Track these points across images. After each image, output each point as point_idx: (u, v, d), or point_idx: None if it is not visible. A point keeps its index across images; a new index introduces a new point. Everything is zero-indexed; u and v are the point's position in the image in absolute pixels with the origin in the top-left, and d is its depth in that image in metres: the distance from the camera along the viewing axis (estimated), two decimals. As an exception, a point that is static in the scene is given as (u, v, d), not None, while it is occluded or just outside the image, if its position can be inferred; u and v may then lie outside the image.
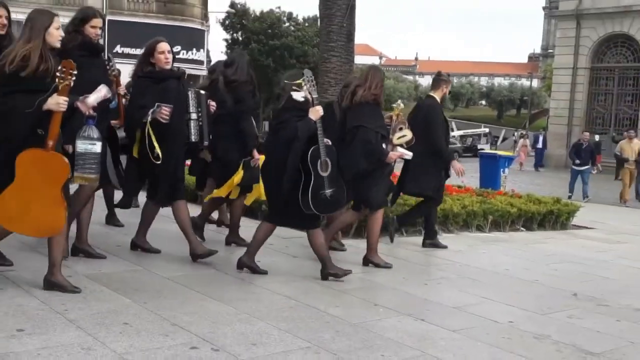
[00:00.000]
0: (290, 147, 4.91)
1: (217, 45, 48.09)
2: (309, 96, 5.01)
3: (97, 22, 4.97)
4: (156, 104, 4.99)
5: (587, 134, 18.55)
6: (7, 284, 4.37)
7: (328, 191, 5.02)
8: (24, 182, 3.93)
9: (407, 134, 5.85)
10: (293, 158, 4.92)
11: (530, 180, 20.75)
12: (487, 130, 50.00)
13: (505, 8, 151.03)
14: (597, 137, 18.33)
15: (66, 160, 4.04)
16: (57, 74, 3.91)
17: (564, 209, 9.30)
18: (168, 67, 5.23)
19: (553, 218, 9.03)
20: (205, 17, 37.00)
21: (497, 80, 69.55)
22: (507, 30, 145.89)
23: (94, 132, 4.22)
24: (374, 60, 65.37)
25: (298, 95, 4.97)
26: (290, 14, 43.67)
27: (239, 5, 43.57)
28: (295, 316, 4.13)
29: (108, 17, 32.56)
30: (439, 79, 7.05)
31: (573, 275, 6.19)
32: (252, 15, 43.24)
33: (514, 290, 5.40)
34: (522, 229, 8.55)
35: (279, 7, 43.94)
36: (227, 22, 43.83)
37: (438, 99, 6.89)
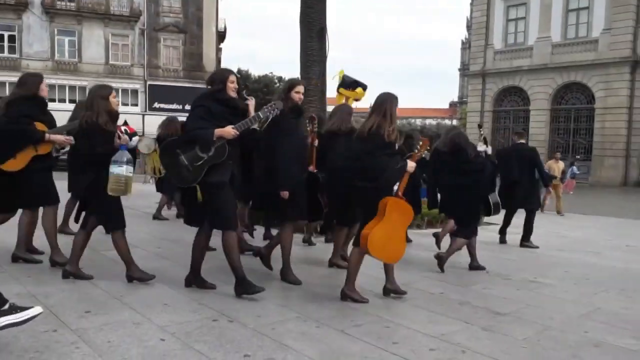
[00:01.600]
0: (490, 179, 5.55)
1: (227, 100, 48.52)
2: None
3: (300, 88, 4.56)
4: None
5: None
6: (77, 280, 4.31)
7: None
8: (388, 221, 3.86)
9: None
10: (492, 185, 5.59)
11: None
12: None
13: (433, 70, 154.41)
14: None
15: (410, 207, 4.01)
16: (418, 146, 4.05)
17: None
18: None
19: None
20: (218, 80, 36.95)
21: (428, 121, 70.06)
22: (434, 85, 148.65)
23: None
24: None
25: (482, 147, 5.69)
26: (280, 77, 43.88)
27: (243, 72, 43.71)
28: (290, 295, 4.11)
29: (148, 82, 32.50)
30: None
31: (485, 257, 6.21)
32: (253, 78, 43.38)
33: (445, 272, 5.38)
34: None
35: (272, 72, 44.30)
36: (234, 83, 43.83)
37: None
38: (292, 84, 4.59)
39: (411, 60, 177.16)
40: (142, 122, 28.98)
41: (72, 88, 30.92)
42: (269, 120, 4.18)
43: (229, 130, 3.84)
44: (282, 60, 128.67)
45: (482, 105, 30.89)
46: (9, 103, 4.49)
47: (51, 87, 30.51)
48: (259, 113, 4.01)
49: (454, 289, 4.59)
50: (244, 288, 3.92)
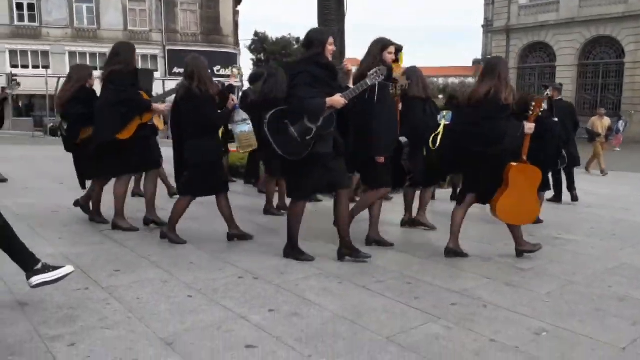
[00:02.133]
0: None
1: (246, 63, 48.33)
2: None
3: (392, 48, 4.19)
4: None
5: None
6: (106, 240, 4.43)
7: None
8: (514, 187, 4.00)
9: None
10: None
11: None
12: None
13: (455, 26, 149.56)
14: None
15: (538, 169, 4.08)
16: (531, 107, 4.03)
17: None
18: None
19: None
20: (236, 43, 36.67)
21: (451, 80, 68.64)
22: (457, 43, 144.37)
23: None
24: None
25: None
26: (298, 38, 43.13)
27: (260, 34, 43.20)
28: (312, 253, 4.14)
29: (167, 47, 32.41)
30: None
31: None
32: (270, 41, 42.86)
33: (469, 228, 5.34)
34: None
35: (290, 34, 43.68)
36: (252, 46, 43.49)
37: None
38: (384, 44, 4.17)
39: (432, 17, 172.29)
40: (162, 87, 29.08)
41: (93, 55, 31.07)
42: (375, 87, 3.90)
43: (339, 100, 3.65)
44: (300, 22, 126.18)
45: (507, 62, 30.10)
46: (111, 74, 4.56)
47: (72, 54, 30.81)
48: (367, 80, 3.75)
49: (477, 246, 4.58)
50: (294, 254, 3.98)
